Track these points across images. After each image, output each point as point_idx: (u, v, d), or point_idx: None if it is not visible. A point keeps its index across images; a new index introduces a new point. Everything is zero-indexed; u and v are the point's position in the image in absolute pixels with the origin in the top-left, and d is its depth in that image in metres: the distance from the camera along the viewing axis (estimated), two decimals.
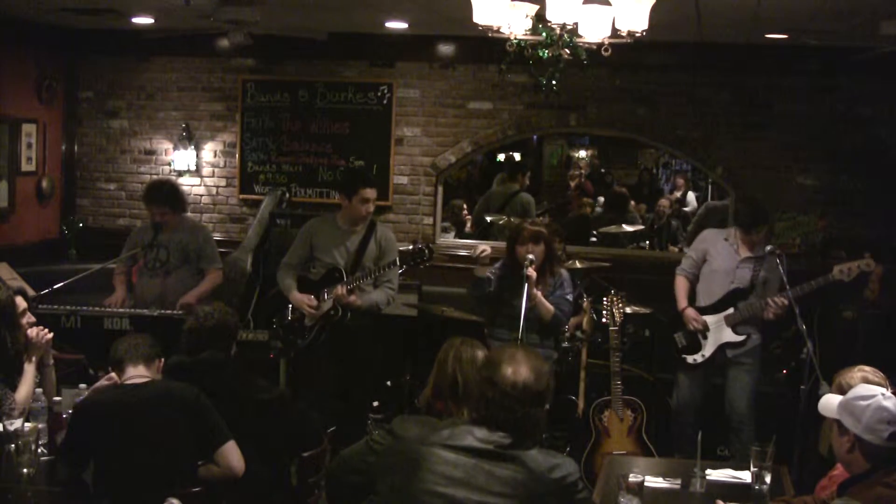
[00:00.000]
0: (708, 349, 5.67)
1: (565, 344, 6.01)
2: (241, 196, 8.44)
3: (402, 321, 6.44)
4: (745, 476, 3.95)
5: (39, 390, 4.16)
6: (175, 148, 8.47)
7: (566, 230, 7.37)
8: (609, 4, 4.30)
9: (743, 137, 7.63)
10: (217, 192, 8.53)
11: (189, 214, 7.89)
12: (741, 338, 5.62)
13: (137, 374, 3.80)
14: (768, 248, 5.54)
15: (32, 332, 4.24)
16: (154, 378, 3.85)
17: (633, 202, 11.06)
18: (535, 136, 12.40)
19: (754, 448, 3.87)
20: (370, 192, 5.69)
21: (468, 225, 9.61)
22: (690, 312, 5.70)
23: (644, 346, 6.79)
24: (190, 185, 8.51)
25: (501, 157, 13.78)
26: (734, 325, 5.61)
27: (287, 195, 8.04)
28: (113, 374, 3.97)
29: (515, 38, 4.42)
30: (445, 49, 8.00)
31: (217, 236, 8.03)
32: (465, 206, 9.82)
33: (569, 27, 4.29)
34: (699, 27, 6.58)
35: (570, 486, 2.82)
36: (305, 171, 8.27)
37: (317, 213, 6.47)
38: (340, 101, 8.16)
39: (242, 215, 8.44)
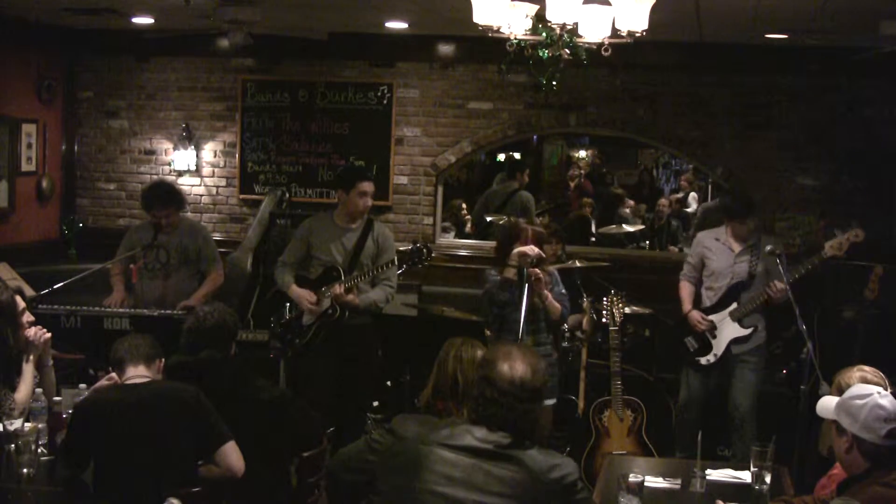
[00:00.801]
0: (719, 348, 5.69)
1: (565, 344, 6.01)
2: (241, 196, 8.44)
3: (402, 321, 6.43)
4: (745, 476, 3.95)
5: (39, 390, 4.16)
6: (175, 148, 8.47)
7: (566, 231, 7.38)
8: (609, 4, 4.30)
9: (743, 137, 7.63)
10: (217, 192, 8.53)
11: (188, 214, 7.92)
12: (748, 330, 5.64)
13: (137, 374, 3.80)
14: (768, 248, 5.54)
15: (31, 331, 4.24)
16: (154, 378, 3.85)
17: (632, 203, 11.07)
18: (535, 136, 12.39)
19: (754, 448, 3.87)
20: (368, 186, 5.69)
21: (468, 225, 9.61)
22: (695, 315, 5.71)
23: (644, 346, 6.80)
24: (190, 185, 8.51)
25: (501, 156, 13.78)
26: (740, 319, 5.64)
27: (287, 195, 8.04)
28: (113, 374, 3.97)
29: (515, 38, 4.42)
30: (445, 49, 8.00)
31: (217, 236, 8.03)
32: (465, 206, 9.82)
33: (569, 27, 4.29)
34: (699, 27, 6.58)
35: (569, 485, 2.82)
36: (305, 171, 8.27)
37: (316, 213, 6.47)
38: (340, 101, 8.16)
39: (242, 215, 8.44)
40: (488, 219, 8.90)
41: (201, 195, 8.55)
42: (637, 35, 4.33)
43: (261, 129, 8.33)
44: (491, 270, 5.22)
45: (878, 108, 7.39)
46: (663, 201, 10.58)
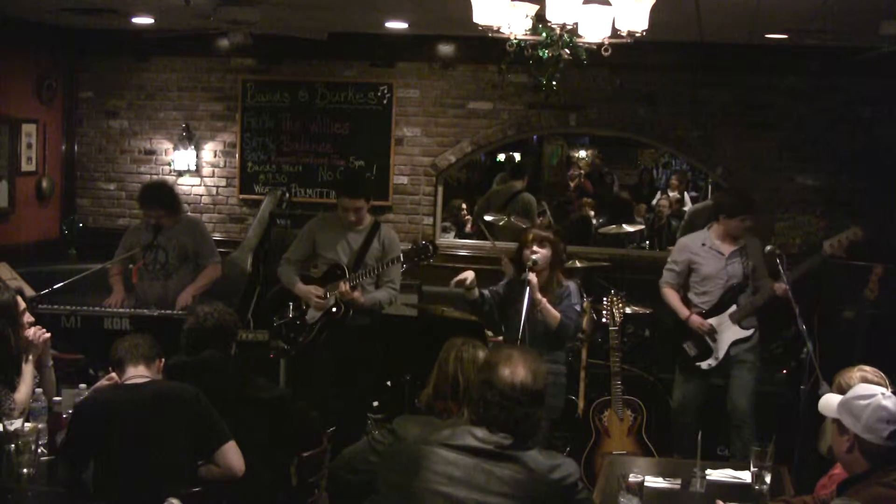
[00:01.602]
0: (720, 351, 5.66)
1: (570, 358, 6.00)
2: (241, 196, 8.44)
3: (402, 321, 6.43)
4: (745, 476, 3.96)
5: (39, 390, 4.16)
6: (175, 148, 8.47)
7: (568, 232, 7.38)
8: (609, 4, 4.30)
9: (743, 137, 7.63)
10: (217, 192, 8.53)
11: (187, 213, 7.90)
12: (749, 332, 5.64)
13: (137, 374, 3.80)
14: (768, 248, 5.54)
15: (31, 331, 4.24)
16: (154, 378, 3.85)
17: (643, 206, 11.03)
18: (535, 136, 12.39)
19: (754, 448, 3.87)
20: (347, 202, 5.63)
21: (468, 225, 9.60)
22: (696, 319, 5.68)
23: (644, 346, 6.80)
24: (190, 185, 8.52)
25: (501, 156, 13.78)
26: (739, 321, 5.63)
27: (287, 195, 8.03)
28: (113, 374, 3.97)
29: (515, 38, 4.42)
30: (445, 49, 8.00)
31: (217, 236, 8.03)
32: (464, 206, 9.82)
33: (569, 27, 4.28)
34: (699, 27, 6.58)
35: (570, 486, 2.82)
36: (305, 171, 8.27)
37: (316, 213, 6.47)
38: (340, 101, 8.16)
39: (242, 215, 8.44)
40: (488, 219, 8.89)
41: (201, 195, 8.55)
42: (637, 35, 4.33)
43: (261, 129, 8.33)
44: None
45: (878, 108, 7.39)
46: (663, 201, 10.58)
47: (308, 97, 8.21)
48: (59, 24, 8.11)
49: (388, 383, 6.53)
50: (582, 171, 13.02)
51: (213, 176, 8.52)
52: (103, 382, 4.10)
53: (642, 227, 9.76)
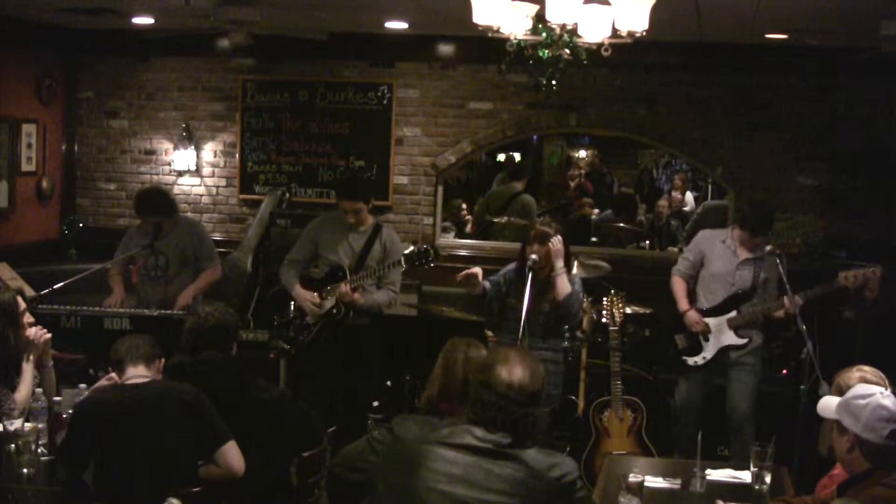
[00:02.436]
0: (709, 352, 5.65)
1: (565, 344, 6.01)
2: (241, 196, 8.44)
3: (402, 321, 6.43)
4: (745, 476, 3.95)
5: (39, 390, 4.16)
6: (175, 148, 8.47)
7: (567, 232, 7.37)
8: (609, 4, 4.30)
9: (743, 137, 7.63)
10: (217, 192, 8.53)
11: (187, 214, 7.91)
12: (743, 340, 5.61)
13: (137, 374, 3.80)
14: (768, 248, 5.53)
15: (31, 331, 4.24)
16: (154, 378, 3.85)
17: (642, 205, 11.04)
18: (534, 136, 12.39)
19: (754, 448, 3.87)
20: (346, 205, 5.66)
21: (468, 225, 9.60)
22: (693, 315, 5.68)
23: (644, 346, 6.79)
24: (190, 185, 8.52)
25: (501, 156, 13.78)
26: (736, 329, 5.60)
27: (287, 195, 8.03)
28: (113, 374, 3.97)
29: (515, 38, 4.42)
30: (445, 49, 8.00)
31: (217, 236, 8.04)
32: (464, 206, 9.82)
33: (569, 27, 4.29)
34: (699, 27, 6.58)
35: (569, 484, 2.82)
36: (305, 171, 8.27)
37: (316, 213, 6.47)
38: (340, 101, 8.16)
39: (242, 215, 8.44)
40: (494, 220, 8.91)
41: (201, 195, 8.55)
42: (637, 35, 4.33)
43: (261, 129, 8.33)
44: (510, 269, 5.32)
45: (878, 108, 7.39)
46: (662, 202, 10.57)
47: (308, 97, 8.21)
48: (59, 24, 8.11)
49: (388, 383, 6.53)
50: (582, 171, 13.01)
51: (213, 176, 8.52)
52: (103, 382, 4.10)
53: (641, 220, 9.76)
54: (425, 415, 3.42)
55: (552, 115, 7.90)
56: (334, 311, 5.61)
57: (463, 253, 8.17)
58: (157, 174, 8.57)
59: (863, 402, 3.01)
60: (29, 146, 8.21)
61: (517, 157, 13.42)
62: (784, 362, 6.34)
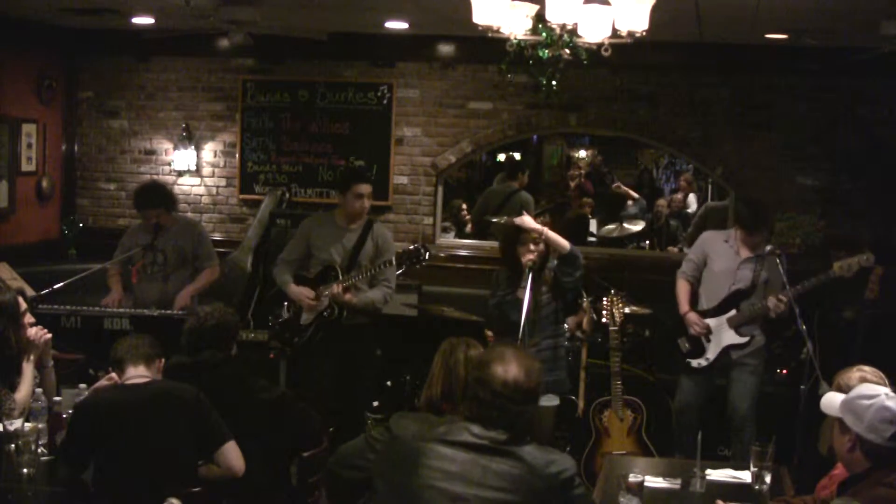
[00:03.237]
0: (711, 352, 5.65)
1: (566, 344, 6.00)
2: (241, 196, 8.43)
3: (402, 321, 6.44)
4: (745, 476, 3.96)
5: (39, 390, 4.16)
6: (175, 148, 8.47)
7: (564, 232, 7.37)
8: (609, 4, 4.30)
9: (743, 137, 7.63)
10: (217, 192, 8.53)
11: (187, 214, 7.91)
12: (745, 339, 5.60)
13: (138, 374, 3.81)
14: (768, 248, 5.53)
15: (31, 332, 4.25)
16: (154, 378, 3.85)
17: (635, 196, 11.00)
18: (534, 136, 12.39)
19: (754, 448, 3.87)
20: (364, 188, 5.70)
21: (468, 225, 9.60)
22: (692, 316, 5.68)
23: (644, 346, 6.79)
24: (190, 185, 8.52)
25: (502, 156, 13.78)
26: (737, 327, 5.60)
27: (287, 195, 8.03)
28: (113, 374, 3.97)
29: (515, 38, 4.42)
30: (445, 49, 8.00)
31: (217, 236, 8.04)
32: (464, 206, 9.82)
33: (569, 27, 4.28)
34: (699, 27, 6.58)
35: (567, 480, 2.84)
36: (305, 171, 8.27)
37: (318, 212, 6.47)
38: (340, 101, 8.16)
39: (242, 215, 8.44)
40: (493, 219, 8.90)
41: (201, 195, 8.55)
42: (637, 35, 4.33)
43: (261, 129, 8.33)
44: (500, 275, 5.21)
45: (878, 108, 7.38)
46: (661, 202, 10.57)
47: (308, 97, 8.21)
48: (59, 24, 8.10)
49: (388, 383, 6.53)
50: (582, 171, 13.00)
51: (213, 176, 8.52)
52: (103, 382, 4.10)
53: (643, 224, 9.76)
54: (425, 413, 3.43)
55: (552, 115, 7.90)
56: (326, 312, 5.60)
57: (463, 253, 8.17)
58: (157, 174, 8.56)
59: (867, 402, 3.00)
60: (29, 146, 8.20)
61: (517, 157, 13.42)
62: (784, 362, 6.34)
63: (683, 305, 5.76)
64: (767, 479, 3.83)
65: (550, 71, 4.72)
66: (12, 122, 7.98)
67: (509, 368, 2.88)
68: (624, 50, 4.55)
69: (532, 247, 4.99)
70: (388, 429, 3.01)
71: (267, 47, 7.82)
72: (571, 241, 5.13)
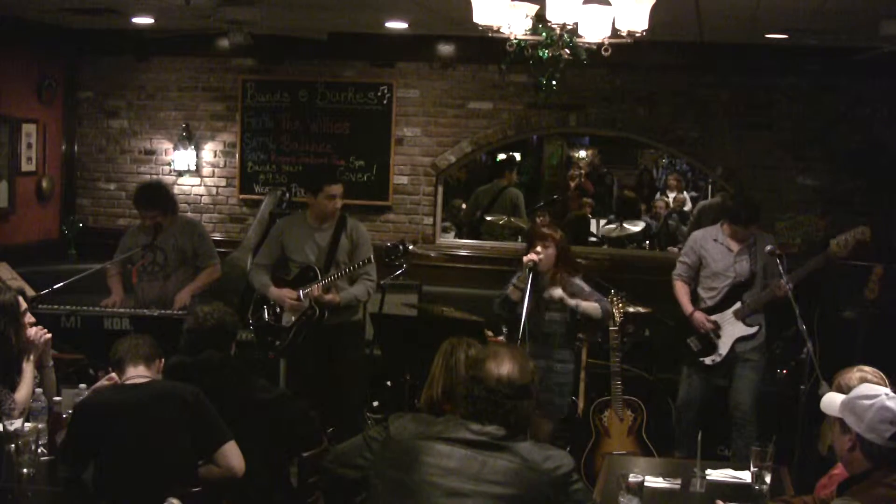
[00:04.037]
0: (724, 347, 5.69)
1: (567, 369, 6.00)
2: (241, 196, 8.43)
3: (402, 321, 6.43)
4: (745, 476, 3.96)
5: (39, 390, 4.16)
6: (175, 148, 8.47)
7: (565, 230, 7.37)
8: (609, 4, 4.30)
9: (743, 137, 7.63)
10: (217, 192, 8.52)
11: (186, 214, 7.91)
12: (753, 329, 5.66)
13: (137, 374, 3.80)
14: (768, 248, 5.53)
15: (31, 332, 4.25)
16: (154, 378, 3.85)
17: (642, 205, 11.05)
18: (534, 136, 12.39)
19: (754, 448, 3.87)
20: (336, 189, 5.70)
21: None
22: (699, 316, 5.70)
23: (644, 346, 6.79)
24: (190, 185, 8.52)
25: (502, 156, 13.78)
26: (744, 318, 5.64)
27: (287, 195, 8.03)
28: (113, 374, 3.97)
29: (515, 38, 4.42)
30: (445, 49, 7.99)
31: (217, 236, 8.03)
32: (464, 206, 9.82)
33: (569, 27, 4.29)
34: (699, 27, 6.58)
35: (564, 476, 2.85)
36: (305, 171, 8.26)
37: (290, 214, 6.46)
38: (340, 101, 8.16)
39: (242, 215, 8.43)
40: (487, 218, 8.90)
41: (201, 195, 8.55)
42: (637, 35, 4.33)
43: (261, 129, 8.32)
44: (514, 278, 5.25)
45: (878, 108, 7.38)
46: (660, 202, 10.58)
47: (308, 97, 8.20)
48: (59, 24, 8.10)
49: (388, 383, 6.52)
50: (582, 171, 13.02)
51: (213, 176, 8.52)
52: (103, 382, 4.10)
53: (643, 225, 9.77)
54: (426, 414, 3.43)
55: (552, 115, 7.90)
56: (309, 311, 5.59)
57: (463, 253, 8.16)
58: (157, 174, 8.56)
59: (867, 402, 3.00)
60: (29, 146, 8.20)
61: (517, 157, 13.42)
62: (784, 362, 6.35)
63: (687, 306, 5.78)
64: (767, 479, 3.83)
65: (550, 71, 4.72)
66: (12, 122, 7.98)
67: (503, 365, 2.94)
68: (624, 50, 4.55)
69: (539, 248, 4.99)
70: (386, 428, 3.03)
71: (267, 47, 7.82)
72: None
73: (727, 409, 5.72)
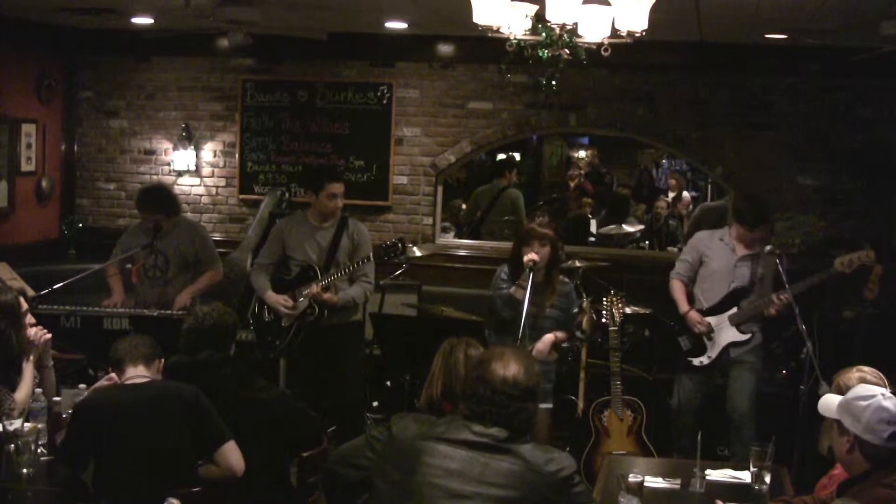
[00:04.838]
0: (714, 350, 5.66)
1: (565, 344, 6.00)
2: (241, 196, 8.43)
3: (402, 321, 6.43)
4: (745, 476, 3.96)
5: (39, 390, 4.16)
6: (175, 148, 8.47)
7: (565, 230, 7.38)
8: (609, 4, 4.30)
9: (743, 137, 7.63)
10: (217, 192, 8.52)
11: (186, 214, 7.90)
12: (746, 336, 5.62)
13: (137, 374, 3.81)
14: (767, 248, 5.52)
15: (31, 332, 4.25)
16: (154, 378, 3.85)
17: (641, 205, 11.05)
18: (534, 136, 12.40)
19: (754, 448, 3.87)
20: (336, 187, 5.69)
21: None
22: (694, 315, 5.69)
23: (644, 346, 6.80)
24: (189, 185, 8.52)
25: (502, 156, 13.78)
26: (738, 325, 5.61)
27: (287, 195, 8.04)
28: (113, 374, 3.97)
29: (515, 38, 4.42)
30: (445, 49, 7.99)
31: (217, 236, 8.03)
32: (464, 206, 9.83)
33: (569, 27, 4.29)
34: (699, 27, 6.58)
35: (566, 478, 2.85)
36: (305, 171, 8.26)
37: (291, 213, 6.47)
38: (340, 101, 8.16)
39: (242, 215, 8.43)
40: (490, 219, 8.90)
41: (201, 195, 8.55)
42: (637, 35, 4.33)
43: (261, 129, 8.32)
44: (503, 271, 5.21)
45: (878, 108, 7.38)
46: (661, 202, 10.58)
47: (308, 97, 8.20)
48: (59, 24, 8.10)
49: (388, 383, 6.53)
50: (582, 171, 13.02)
51: (212, 176, 8.52)
52: (103, 382, 4.10)
53: (641, 227, 9.77)
54: (427, 414, 3.43)
55: (552, 115, 7.90)
56: (308, 311, 5.60)
57: (463, 253, 8.16)
58: (157, 174, 8.56)
59: (864, 403, 3.00)
60: (29, 146, 8.20)
61: (517, 157, 13.43)
62: (784, 362, 6.35)
63: (683, 305, 5.76)
64: (767, 479, 3.83)
65: (550, 71, 4.72)
66: (12, 122, 7.98)
67: (508, 366, 2.92)
68: (624, 50, 4.55)
69: (537, 247, 4.98)
70: (389, 428, 3.03)
71: (267, 47, 7.81)
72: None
73: (725, 411, 5.70)
